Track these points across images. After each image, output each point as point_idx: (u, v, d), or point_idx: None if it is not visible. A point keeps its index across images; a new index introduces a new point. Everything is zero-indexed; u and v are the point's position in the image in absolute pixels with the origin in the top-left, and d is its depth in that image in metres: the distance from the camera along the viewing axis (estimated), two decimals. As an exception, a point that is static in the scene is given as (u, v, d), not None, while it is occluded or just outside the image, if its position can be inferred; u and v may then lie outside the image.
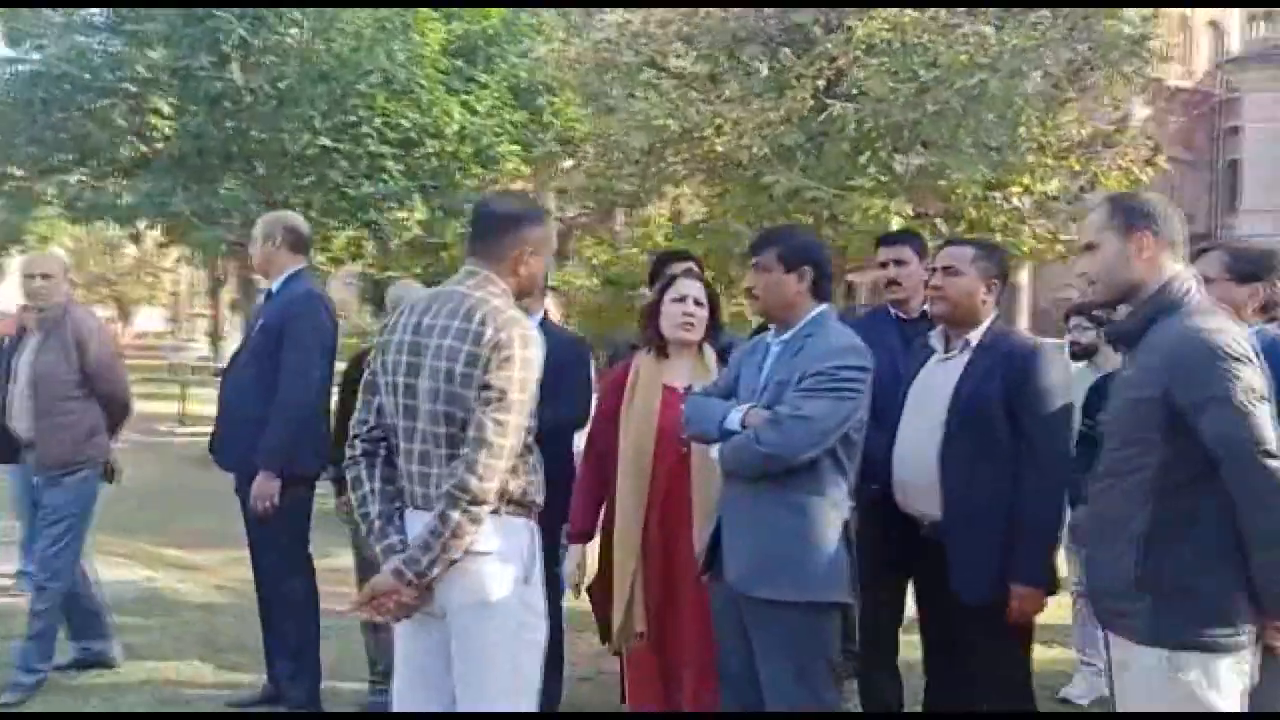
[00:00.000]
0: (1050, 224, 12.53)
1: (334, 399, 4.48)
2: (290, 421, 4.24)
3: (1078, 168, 12.23)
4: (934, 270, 3.57)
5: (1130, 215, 2.63)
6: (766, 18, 12.55)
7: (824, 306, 3.25)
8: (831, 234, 11.61)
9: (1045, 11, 11.36)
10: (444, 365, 2.61)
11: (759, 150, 11.74)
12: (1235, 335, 2.45)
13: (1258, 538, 2.36)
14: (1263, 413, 2.37)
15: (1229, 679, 2.42)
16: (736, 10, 12.64)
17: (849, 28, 11.59)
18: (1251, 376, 2.39)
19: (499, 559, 2.63)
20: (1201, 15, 36.01)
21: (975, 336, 3.46)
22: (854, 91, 11.66)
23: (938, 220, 11.89)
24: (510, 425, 2.58)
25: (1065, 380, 3.42)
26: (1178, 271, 2.60)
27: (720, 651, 3.31)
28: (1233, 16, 35.82)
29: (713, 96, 12.39)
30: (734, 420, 3.12)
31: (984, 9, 11.42)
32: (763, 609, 3.09)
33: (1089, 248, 2.70)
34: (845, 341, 3.14)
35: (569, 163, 21.41)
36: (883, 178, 11.55)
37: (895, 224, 10.55)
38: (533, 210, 2.87)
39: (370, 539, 2.72)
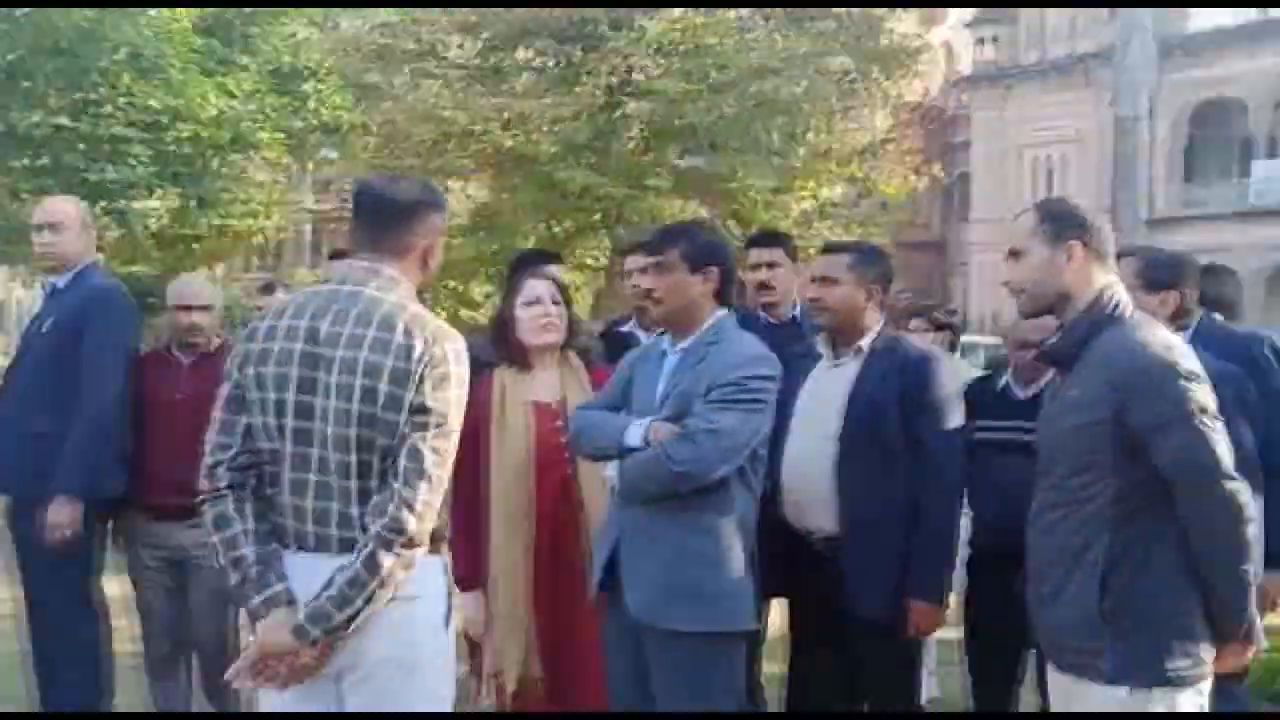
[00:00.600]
0: (834, 229, 12.90)
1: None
2: (94, 436, 3.65)
3: (859, 175, 12.65)
4: (811, 280, 3.44)
5: (1059, 222, 2.51)
6: (553, 12, 12.31)
7: (725, 311, 3.04)
8: (623, 234, 11.50)
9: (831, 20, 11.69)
10: (359, 382, 2.21)
11: (549, 146, 11.51)
12: (1184, 351, 2.38)
13: (1217, 562, 2.29)
14: (1219, 433, 2.30)
15: (1189, 711, 2.34)
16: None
17: (640, 26, 11.52)
18: (1204, 395, 2.31)
19: (423, 604, 2.27)
20: (935, 35, 38.46)
21: (865, 343, 3.34)
22: (645, 90, 11.61)
23: (729, 223, 12.00)
24: (449, 455, 2.23)
25: (959, 389, 3.36)
26: (1108, 282, 2.49)
27: (611, 679, 3.04)
28: (964, 38, 38.43)
29: (499, 89, 12.06)
30: (635, 436, 2.86)
31: (773, 9, 11.62)
32: (668, 640, 2.86)
33: (1014, 254, 2.59)
34: (753, 350, 2.94)
35: (333, 152, 20.45)
36: (673, 178, 11.58)
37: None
38: (434, 194, 2.49)
39: (244, 589, 2.27)
